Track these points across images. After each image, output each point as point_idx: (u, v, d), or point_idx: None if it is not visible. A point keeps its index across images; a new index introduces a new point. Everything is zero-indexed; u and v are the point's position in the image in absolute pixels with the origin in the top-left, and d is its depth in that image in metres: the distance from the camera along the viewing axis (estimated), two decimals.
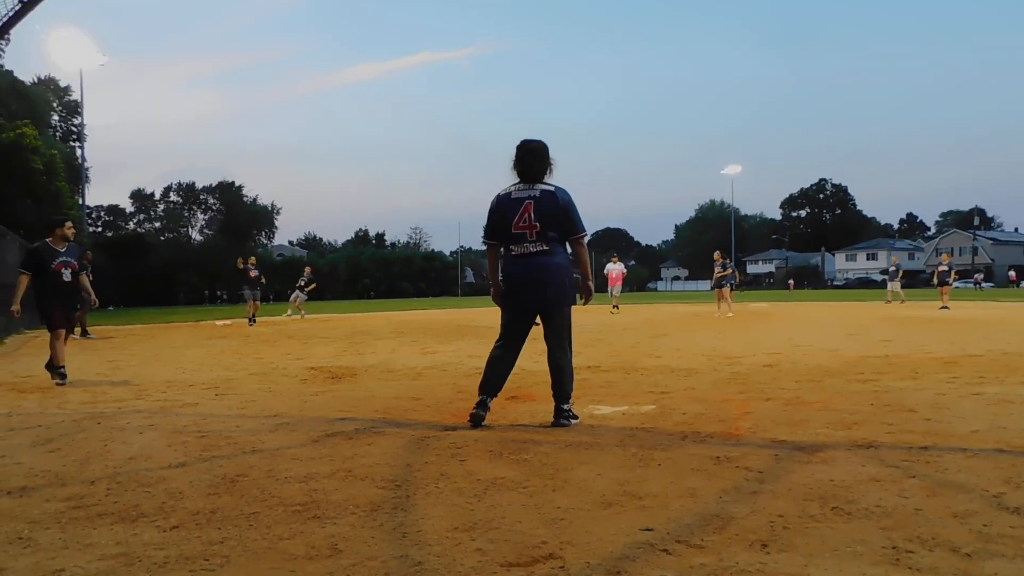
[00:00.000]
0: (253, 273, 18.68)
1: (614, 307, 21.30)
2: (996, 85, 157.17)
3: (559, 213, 4.36)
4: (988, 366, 6.85)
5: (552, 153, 4.53)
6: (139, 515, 2.76)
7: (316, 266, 69.14)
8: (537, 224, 4.33)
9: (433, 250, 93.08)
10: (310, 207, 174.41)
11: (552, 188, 4.40)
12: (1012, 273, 68.49)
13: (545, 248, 4.36)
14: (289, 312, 23.00)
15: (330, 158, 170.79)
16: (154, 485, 3.19)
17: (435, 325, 16.78)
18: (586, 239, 4.61)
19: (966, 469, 3.21)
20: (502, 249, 4.54)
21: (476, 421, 4.39)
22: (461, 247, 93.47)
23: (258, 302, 18.71)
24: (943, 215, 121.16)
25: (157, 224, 74.71)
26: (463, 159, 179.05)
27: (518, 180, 4.47)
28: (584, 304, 4.64)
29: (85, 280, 7.75)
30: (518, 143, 4.50)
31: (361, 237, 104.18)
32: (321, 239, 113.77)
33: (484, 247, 4.81)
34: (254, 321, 18.07)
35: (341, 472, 3.34)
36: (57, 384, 6.82)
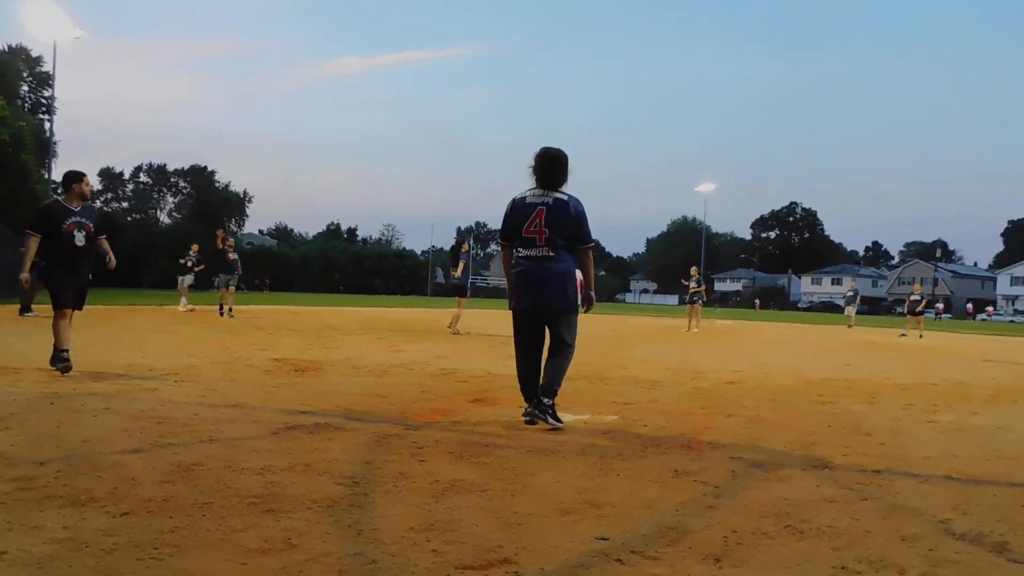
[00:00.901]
0: (232, 256, 16.77)
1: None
2: (964, 125, 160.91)
3: (571, 222, 4.51)
4: (943, 395, 6.99)
5: (570, 163, 4.65)
6: (89, 499, 2.70)
7: (286, 257, 68.53)
8: (546, 230, 4.47)
9: (405, 248, 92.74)
10: (283, 198, 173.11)
11: (566, 197, 4.54)
12: (970, 305, 70.11)
13: (551, 254, 4.50)
14: (184, 301, 18.54)
15: (306, 150, 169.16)
16: (106, 470, 3.13)
17: (404, 323, 16.70)
18: (592, 249, 4.75)
19: (917, 494, 3.27)
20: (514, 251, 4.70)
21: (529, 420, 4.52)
22: (433, 247, 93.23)
23: (233, 288, 16.53)
24: (907, 245, 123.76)
25: (125, 204, 73.35)
26: (441, 159, 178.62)
27: (534, 185, 4.59)
28: (585, 311, 4.75)
29: (105, 244, 6.55)
30: (539, 149, 4.62)
31: (333, 231, 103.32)
32: (292, 230, 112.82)
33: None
34: (231, 313, 15.92)
35: (299, 466, 3.31)
36: (61, 371, 5.91)
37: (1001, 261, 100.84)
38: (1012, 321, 61.56)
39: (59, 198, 6.38)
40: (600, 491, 3.11)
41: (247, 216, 72.58)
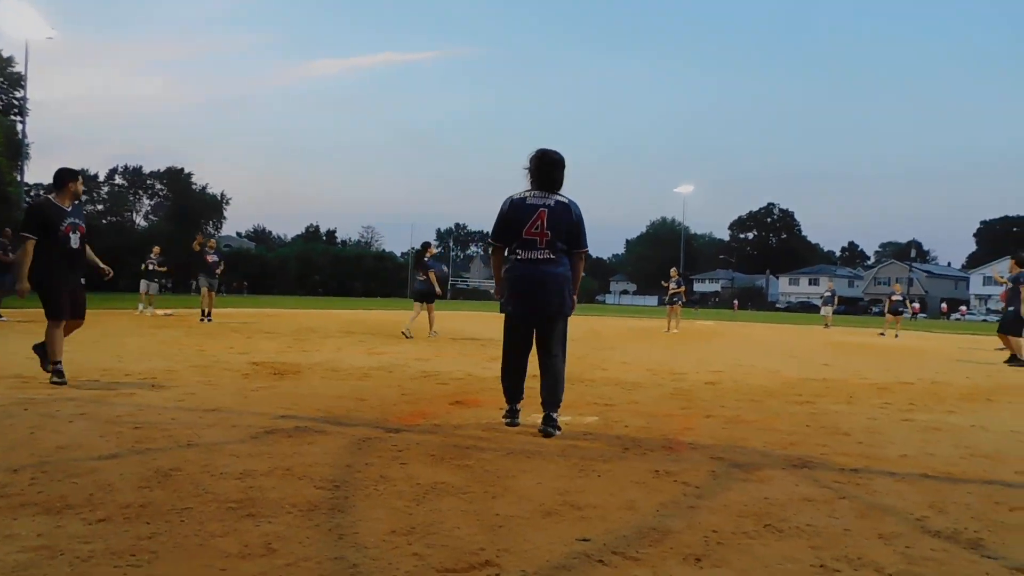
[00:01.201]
0: (211, 258, 16.19)
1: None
2: (936, 127, 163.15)
3: (572, 226, 4.50)
4: (919, 394, 7.08)
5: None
6: (64, 506, 2.66)
7: (265, 260, 68.00)
8: (548, 233, 4.43)
9: (384, 250, 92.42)
10: (261, 200, 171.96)
11: (567, 200, 4.52)
12: (944, 305, 71.14)
13: (552, 257, 4.46)
14: (142, 307, 17.95)
15: (284, 151, 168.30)
16: (82, 476, 3.08)
17: (383, 326, 16.64)
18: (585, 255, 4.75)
19: (894, 493, 3.31)
20: (507, 253, 4.62)
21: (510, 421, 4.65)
22: (412, 249, 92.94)
23: (214, 292, 16.15)
24: (882, 246, 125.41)
25: (100, 207, 72.43)
26: (420, 161, 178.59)
27: (531, 188, 4.54)
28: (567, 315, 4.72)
29: (91, 253, 6.18)
30: (536, 151, 4.58)
31: (312, 233, 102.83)
32: (271, 232, 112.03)
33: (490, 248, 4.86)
34: (209, 318, 15.60)
35: (279, 470, 3.29)
36: (54, 383, 5.60)
37: (974, 261, 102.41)
38: (985, 320, 62.50)
39: (50, 197, 5.93)
40: (581, 493, 3.11)
41: (225, 218, 72.09)
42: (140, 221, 72.15)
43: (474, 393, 5.97)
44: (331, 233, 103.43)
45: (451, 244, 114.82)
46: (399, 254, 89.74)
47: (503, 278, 4.61)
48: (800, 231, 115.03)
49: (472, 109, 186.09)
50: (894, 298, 23.05)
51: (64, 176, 5.88)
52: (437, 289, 12.78)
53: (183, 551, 2.28)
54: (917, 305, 67.07)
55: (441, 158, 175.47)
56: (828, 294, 27.79)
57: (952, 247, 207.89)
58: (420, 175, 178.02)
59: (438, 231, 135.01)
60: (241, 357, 8.31)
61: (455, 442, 4.06)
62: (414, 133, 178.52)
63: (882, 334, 21.22)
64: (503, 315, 4.67)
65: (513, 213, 4.50)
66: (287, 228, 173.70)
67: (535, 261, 4.46)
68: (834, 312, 27.44)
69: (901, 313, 22.50)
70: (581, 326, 20.10)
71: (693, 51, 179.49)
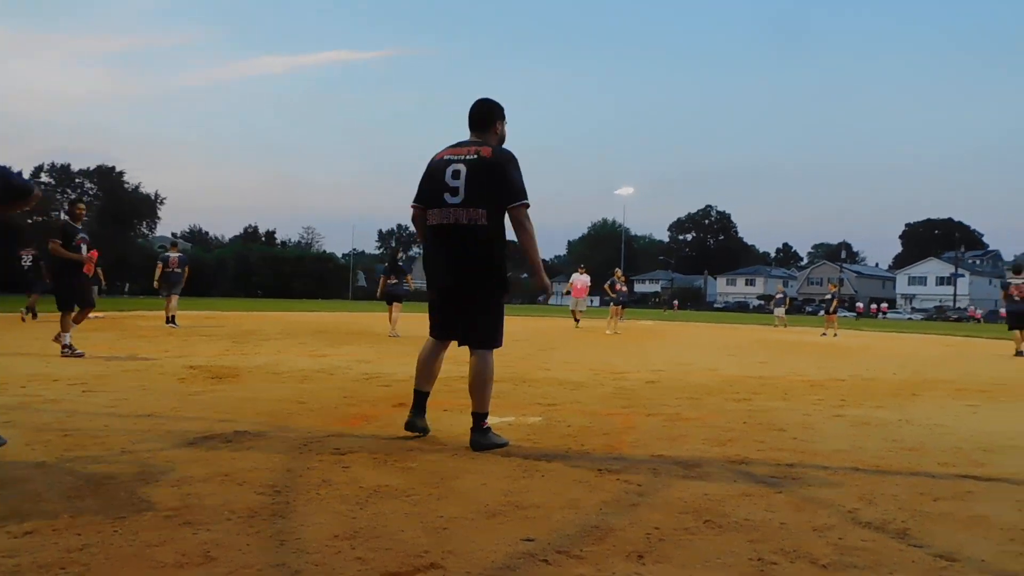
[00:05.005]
0: (169, 269, 15.71)
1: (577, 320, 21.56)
2: (864, 132, 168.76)
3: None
4: (850, 390, 7.34)
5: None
6: None
7: (202, 261, 66.32)
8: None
9: (325, 251, 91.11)
10: (198, 199, 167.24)
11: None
12: (874, 306, 73.86)
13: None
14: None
15: (224, 150, 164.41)
16: (8, 487, 2.96)
17: (325, 328, 16.41)
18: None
19: (827, 486, 3.42)
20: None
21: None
22: (354, 250, 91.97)
23: (174, 296, 15.63)
24: (815, 247, 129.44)
25: (25, 207, 69.54)
26: (363, 161, 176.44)
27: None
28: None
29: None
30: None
31: (251, 234, 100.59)
32: (208, 233, 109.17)
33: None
34: (173, 321, 15.15)
35: (218, 476, 3.21)
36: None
37: (899, 262, 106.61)
38: (910, 319, 65.12)
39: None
40: (525, 493, 3.13)
41: (159, 219, 70.00)
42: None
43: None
44: (270, 234, 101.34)
45: (393, 245, 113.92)
46: (340, 255, 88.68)
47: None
48: (737, 233, 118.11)
49: (418, 110, 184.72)
50: (827, 297, 23.82)
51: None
52: (411, 290, 14.45)
53: (116, 562, 2.21)
54: (861, 305, 69.97)
55: (384, 159, 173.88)
56: (780, 296, 28.78)
57: (879, 248, 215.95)
58: (362, 176, 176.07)
59: (380, 232, 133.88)
60: (177, 361, 8.09)
61: (398, 444, 4.03)
62: (358, 133, 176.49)
63: (824, 334, 21.88)
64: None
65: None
66: (225, 228, 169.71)
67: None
68: (785, 312, 28.35)
69: (834, 312, 23.21)
70: (525, 326, 20.18)
71: (634, 53, 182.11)
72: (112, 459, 3.49)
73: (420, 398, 4.19)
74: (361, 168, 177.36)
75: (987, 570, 2.40)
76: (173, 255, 16.10)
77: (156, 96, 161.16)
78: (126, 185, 66.68)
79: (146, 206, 67.10)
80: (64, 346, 8.11)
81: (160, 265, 15.89)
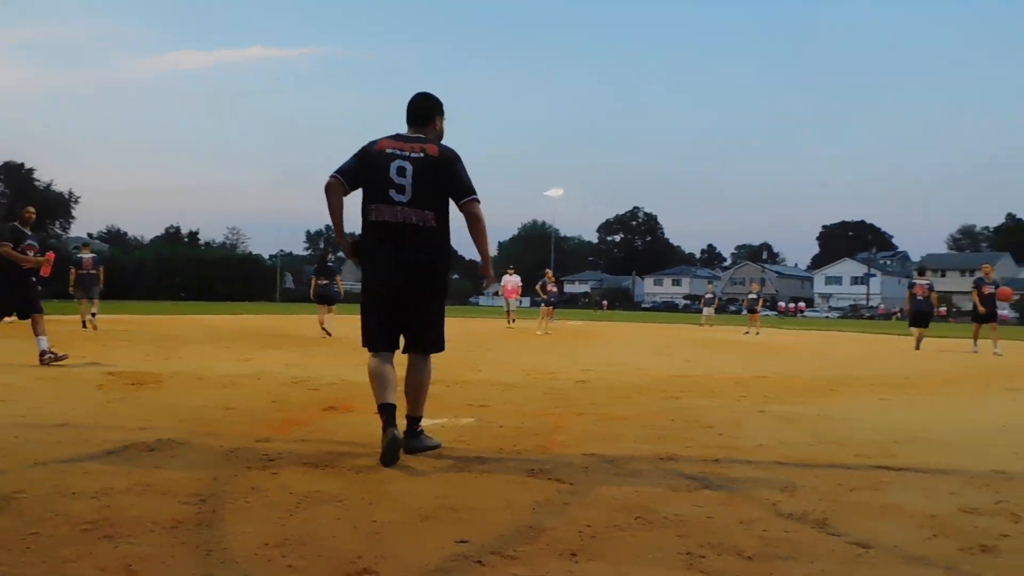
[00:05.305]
0: (82, 271, 15.18)
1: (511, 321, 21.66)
2: (782, 137, 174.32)
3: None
4: (772, 387, 7.59)
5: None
6: None
7: (121, 263, 63.81)
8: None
9: (251, 252, 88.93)
10: (115, 199, 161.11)
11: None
12: (792, 305, 76.65)
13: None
14: None
15: (141, 148, 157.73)
16: None
17: (251, 331, 16.02)
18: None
19: (751, 480, 3.54)
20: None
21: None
22: (281, 251, 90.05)
23: (92, 299, 15.19)
24: (738, 248, 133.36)
25: None
26: (288, 161, 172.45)
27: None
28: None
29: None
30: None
31: (173, 234, 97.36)
32: (127, 234, 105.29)
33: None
34: (93, 321, 14.77)
35: (139, 486, 3.10)
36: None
37: (817, 262, 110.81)
38: (827, 317, 67.80)
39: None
40: (458, 495, 3.13)
41: (73, 218, 67.13)
42: None
43: (347, 398, 5.87)
44: (194, 234, 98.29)
45: (322, 246, 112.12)
46: (267, 256, 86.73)
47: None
48: (663, 234, 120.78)
49: (342, 110, 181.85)
50: (750, 296, 24.55)
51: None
52: (340, 294, 14.83)
53: None
54: (804, 304, 72.69)
55: (310, 159, 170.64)
56: (709, 296, 29.59)
57: (798, 249, 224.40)
58: (288, 176, 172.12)
59: (308, 232, 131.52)
60: (94, 367, 7.77)
61: (329, 449, 3.97)
62: (283, 132, 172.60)
63: (747, 332, 22.55)
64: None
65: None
66: (145, 229, 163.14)
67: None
68: (714, 312, 29.16)
69: (756, 311, 23.94)
70: (456, 328, 20.12)
71: (561, 53, 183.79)
72: (24, 472, 3.32)
73: (389, 410, 3.74)
74: (287, 168, 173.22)
75: (899, 555, 2.52)
76: (86, 256, 15.67)
77: (70, 91, 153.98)
78: (36, 183, 63.76)
79: (59, 205, 64.26)
80: (45, 353, 7.78)
81: (73, 269, 15.39)
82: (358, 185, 3.88)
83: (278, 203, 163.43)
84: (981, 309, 14.56)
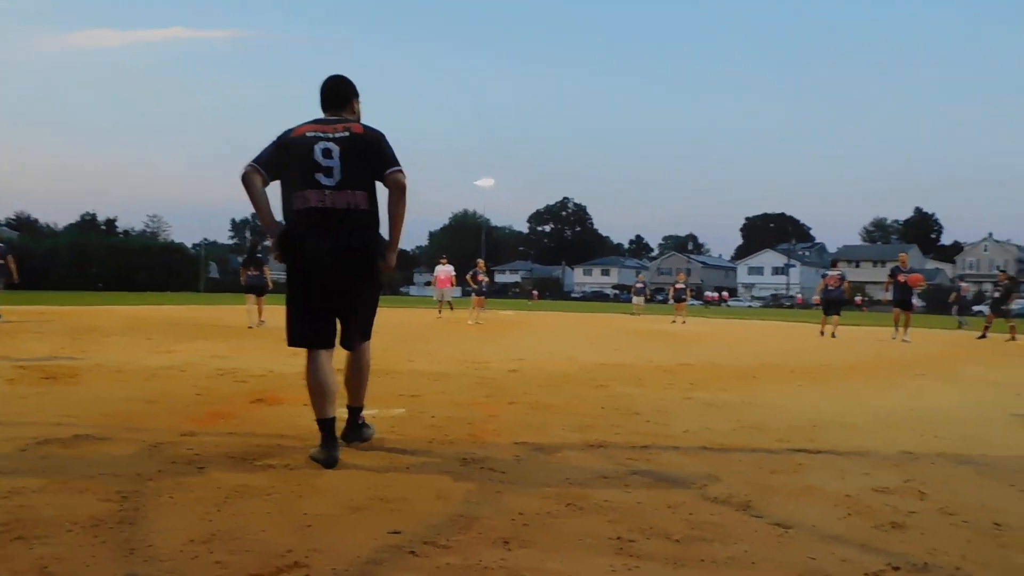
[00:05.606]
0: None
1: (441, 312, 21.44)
2: (708, 132, 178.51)
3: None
4: (698, 375, 7.80)
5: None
6: None
7: (31, 251, 60.88)
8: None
9: (173, 241, 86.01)
10: (25, 184, 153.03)
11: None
12: (716, 294, 78.87)
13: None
14: None
15: (53, 130, 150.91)
16: None
17: (173, 322, 15.50)
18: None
19: (678, 465, 3.64)
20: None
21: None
22: (205, 240, 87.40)
23: None
24: (665, 239, 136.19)
25: None
26: (211, 147, 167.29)
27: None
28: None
29: None
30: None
31: (88, 221, 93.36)
32: (37, 220, 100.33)
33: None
34: None
35: (55, 485, 2.97)
36: None
37: (740, 252, 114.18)
38: (750, 306, 69.98)
39: None
40: (390, 486, 3.11)
41: None
42: None
43: (275, 390, 5.75)
44: (111, 222, 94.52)
45: (248, 235, 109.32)
46: (191, 245, 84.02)
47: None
48: (592, 224, 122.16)
49: (267, 94, 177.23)
50: (677, 286, 25.09)
51: None
52: (269, 284, 14.58)
53: None
54: (723, 294, 74.62)
55: (234, 145, 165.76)
56: (640, 285, 30.19)
57: (722, 240, 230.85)
58: (212, 162, 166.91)
59: (233, 221, 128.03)
60: (3, 361, 7.39)
61: (257, 442, 3.89)
62: (205, 117, 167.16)
63: (674, 321, 23.05)
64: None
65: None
66: (58, 216, 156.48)
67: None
68: (642, 301, 29.68)
69: (684, 300, 24.49)
70: (387, 318, 19.93)
71: (490, 43, 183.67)
72: None
73: (328, 426, 3.59)
74: (210, 154, 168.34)
75: (817, 534, 2.64)
76: None
77: None
78: None
79: None
80: None
81: None
82: (278, 175, 3.69)
83: (201, 191, 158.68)
84: (885, 298, 15.70)
